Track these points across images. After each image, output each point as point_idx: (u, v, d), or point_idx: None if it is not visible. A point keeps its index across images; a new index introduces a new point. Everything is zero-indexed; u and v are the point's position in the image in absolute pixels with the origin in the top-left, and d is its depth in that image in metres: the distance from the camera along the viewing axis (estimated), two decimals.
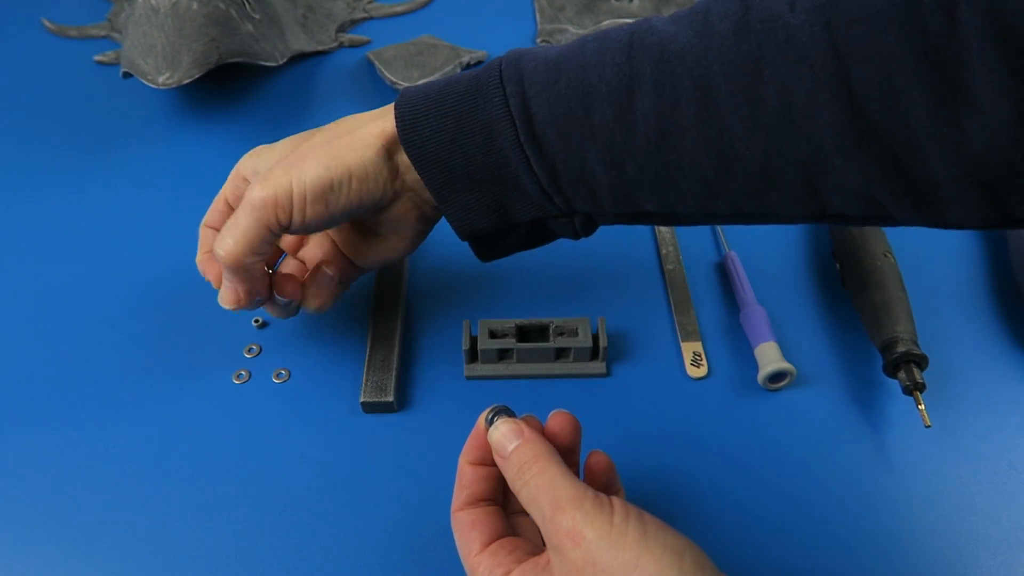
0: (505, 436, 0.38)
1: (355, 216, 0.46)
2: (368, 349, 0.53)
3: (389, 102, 0.72)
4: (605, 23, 0.65)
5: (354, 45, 0.77)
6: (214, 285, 0.48)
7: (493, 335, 0.52)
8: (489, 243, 0.47)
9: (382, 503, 0.47)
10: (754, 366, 0.52)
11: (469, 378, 0.53)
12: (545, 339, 0.52)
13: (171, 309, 0.57)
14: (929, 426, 0.48)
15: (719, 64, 0.37)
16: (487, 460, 0.39)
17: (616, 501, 0.35)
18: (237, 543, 0.46)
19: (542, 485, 0.35)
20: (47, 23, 0.79)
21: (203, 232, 0.50)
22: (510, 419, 0.39)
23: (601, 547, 0.33)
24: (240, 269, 0.45)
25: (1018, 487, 0.48)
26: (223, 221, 0.47)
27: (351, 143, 0.43)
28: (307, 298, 0.49)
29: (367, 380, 0.51)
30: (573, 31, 0.71)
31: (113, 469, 0.49)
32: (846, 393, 0.52)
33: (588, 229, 0.46)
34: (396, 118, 0.43)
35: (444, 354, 0.54)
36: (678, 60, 0.38)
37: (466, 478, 0.40)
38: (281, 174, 0.43)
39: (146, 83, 0.63)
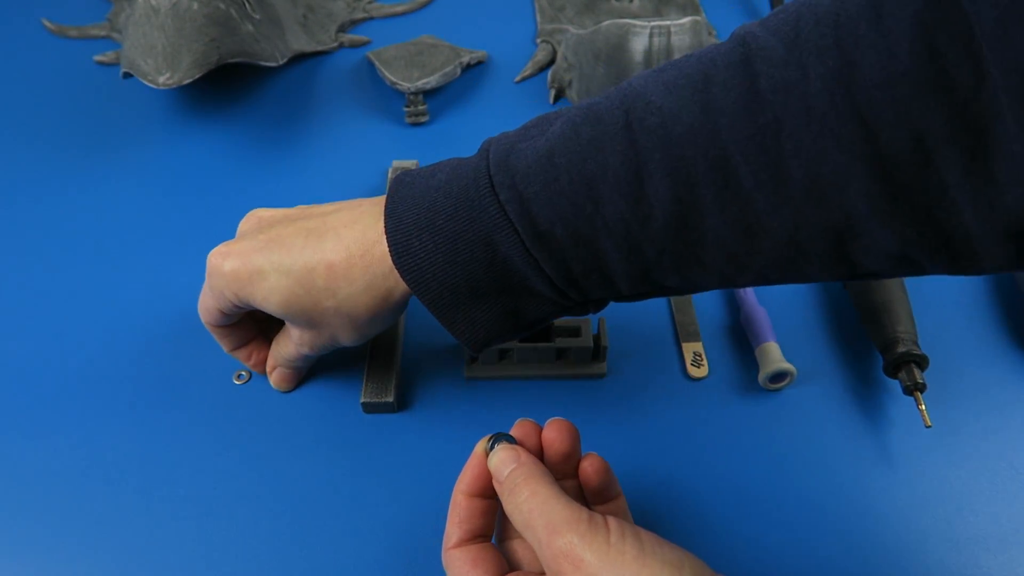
0: (503, 461, 0.38)
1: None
2: (368, 350, 0.53)
3: (389, 102, 0.72)
4: (605, 23, 0.65)
5: (354, 45, 0.77)
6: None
7: None
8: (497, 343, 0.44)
9: (382, 503, 0.47)
10: (755, 366, 0.52)
11: (469, 379, 0.53)
12: (546, 339, 0.52)
13: (171, 309, 0.57)
14: (929, 426, 0.48)
15: (734, 142, 0.35)
16: (485, 491, 0.39)
17: (611, 521, 0.34)
18: (237, 543, 0.46)
19: (535, 508, 0.35)
20: (47, 23, 0.79)
21: None
22: (509, 445, 0.38)
23: (601, 568, 0.33)
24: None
25: (1018, 487, 0.48)
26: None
27: (344, 279, 0.42)
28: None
29: (367, 380, 0.51)
30: (573, 31, 0.71)
31: (113, 469, 0.49)
32: (846, 393, 0.52)
33: (600, 307, 0.44)
34: (389, 244, 0.41)
35: (444, 354, 0.54)
36: (688, 142, 0.36)
37: (464, 511, 0.39)
38: (253, 286, 0.43)
39: (146, 83, 0.63)
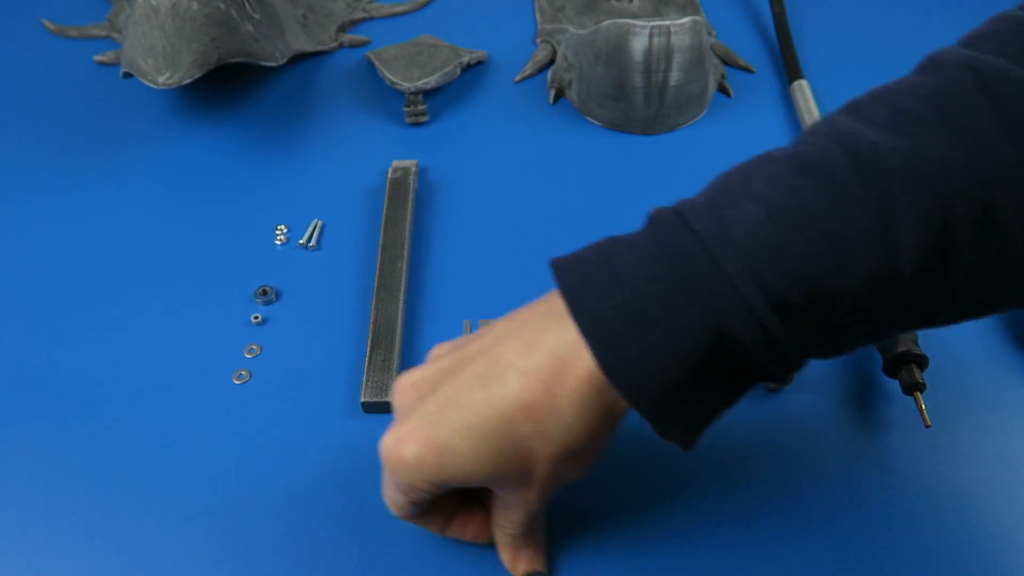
0: None
1: None
2: (368, 349, 0.53)
3: (389, 102, 0.72)
4: (605, 23, 0.65)
5: (354, 45, 0.77)
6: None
7: None
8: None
9: (382, 503, 0.47)
10: None
11: None
12: None
13: (171, 309, 0.57)
14: (929, 426, 0.48)
15: (997, 173, 0.32)
16: None
17: None
18: (237, 543, 0.46)
19: None
20: (47, 23, 0.79)
21: None
22: None
23: None
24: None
25: (1018, 487, 0.48)
26: None
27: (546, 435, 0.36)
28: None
29: (367, 380, 0.51)
30: (573, 31, 0.71)
31: (114, 469, 0.49)
32: (846, 393, 0.52)
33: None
34: (595, 353, 0.34)
35: None
36: (942, 179, 0.32)
37: None
38: (447, 466, 0.36)
39: (146, 83, 0.63)
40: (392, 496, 0.40)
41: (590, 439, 0.36)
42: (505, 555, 0.43)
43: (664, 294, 0.33)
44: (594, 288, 0.34)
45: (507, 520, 0.41)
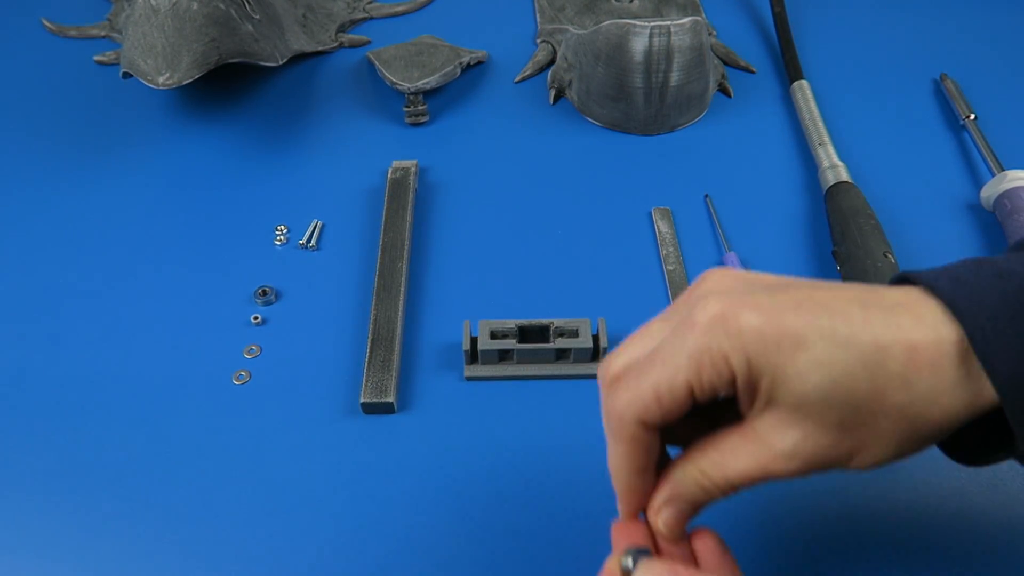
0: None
1: None
2: (368, 349, 0.53)
3: (389, 102, 0.72)
4: (605, 23, 0.65)
5: (354, 45, 0.77)
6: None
7: (493, 336, 0.52)
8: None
9: (382, 503, 0.47)
10: None
11: (469, 379, 0.53)
12: (545, 340, 0.52)
13: (171, 309, 0.57)
14: None
15: None
16: None
17: None
18: (237, 543, 0.46)
19: None
20: (47, 23, 0.79)
21: None
22: (657, 560, 0.32)
23: None
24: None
25: (1018, 487, 0.47)
26: (670, 413, 0.34)
27: (924, 440, 0.32)
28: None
29: (367, 380, 0.51)
30: (573, 31, 0.71)
31: (113, 469, 0.49)
32: None
33: None
34: (964, 320, 0.30)
35: (444, 354, 0.54)
36: None
37: None
38: (824, 457, 0.32)
39: (146, 83, 0.62)
40: (667, 376, 0.32)
41: (940, 419, 0.31)
42: (667, 500, 0.35)
43: None
44: (972, 283, 0.31)
45: (726, 462, 0.33)
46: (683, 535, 0.35)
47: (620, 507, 0.36)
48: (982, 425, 0.34)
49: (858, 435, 0.31)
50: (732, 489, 0.33)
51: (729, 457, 0.33)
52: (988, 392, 0.30)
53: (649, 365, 0.33)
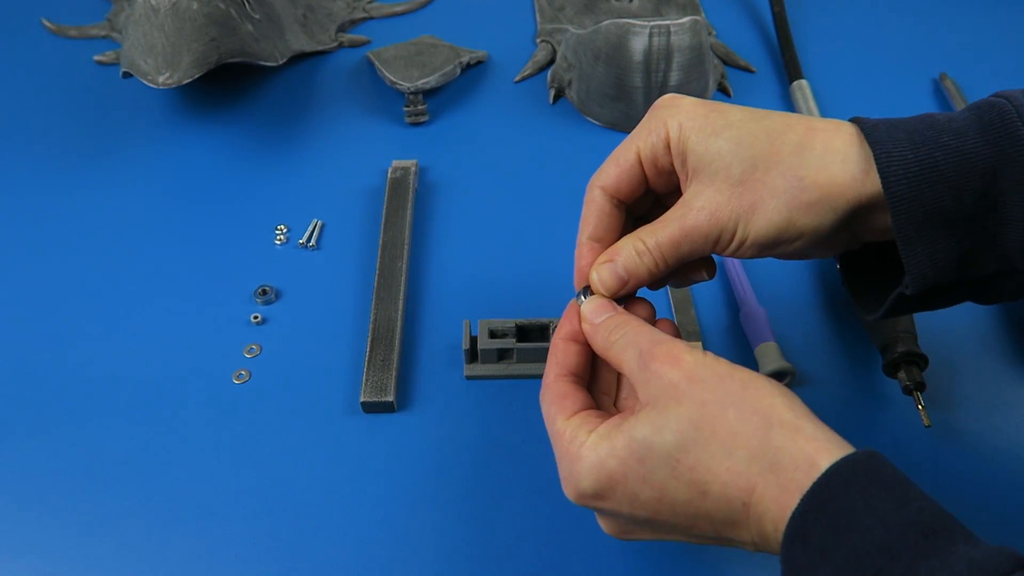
0: (596, 310, 0.40)
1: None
2: (368, 349, 0.53)
3: (389, 102, 0.72)
4: (605, 23, 0.65)
5: (354, 45, 0.77)
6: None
7: (493, 335, 0.52)
8: (912, 301, 0.39)
9: (382, 503, 0.47)
10: (754, 366, 0.52)
11: (469, 378, 0.53)
12: (545, 339, 0.52)
13: (171, 309, 0.57)
14: (929, 426, 0.48)
15: None
16: (579, 338, 0.41)
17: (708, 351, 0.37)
18: (237, 542, 0.46)
19: (633, 334, 0.38)
20: (47, 23, 0.79)
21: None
22: (603, 297, 0.40)
23: (697, 365, 0.35)
24: (656, 277, 0.41)
25: (1018, 487, 0.47)
26: (621, 180, 0.41)
27: (811, 203, 0.37)
28: None
29: (367, 380, 0.51)
30: (573, 31, 0.71)
31: (114, 468, 0.49)
32: (846, 393, 0.52)
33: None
34: (873, 143, 0.36)
35: (444, 354, 0.54)
36: None
37: (560, 352, 0.41)
38: (728, 214, 0.38)
39: (146, 83, 0.63)
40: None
41: (822, 194, 0.37)
42: (605, 263, 0.41)
43: (961, 128, 0.36)
44: (899, 122, 0.37)
45: (657, 229, 0.39)
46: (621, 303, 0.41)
47: (576, 276, 0.42)
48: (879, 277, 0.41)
49: (754, 190, 0.38)
50: (660, 253, 0.39)
51: (660, 225, 0.40)
52: (873, 182, 0.36)
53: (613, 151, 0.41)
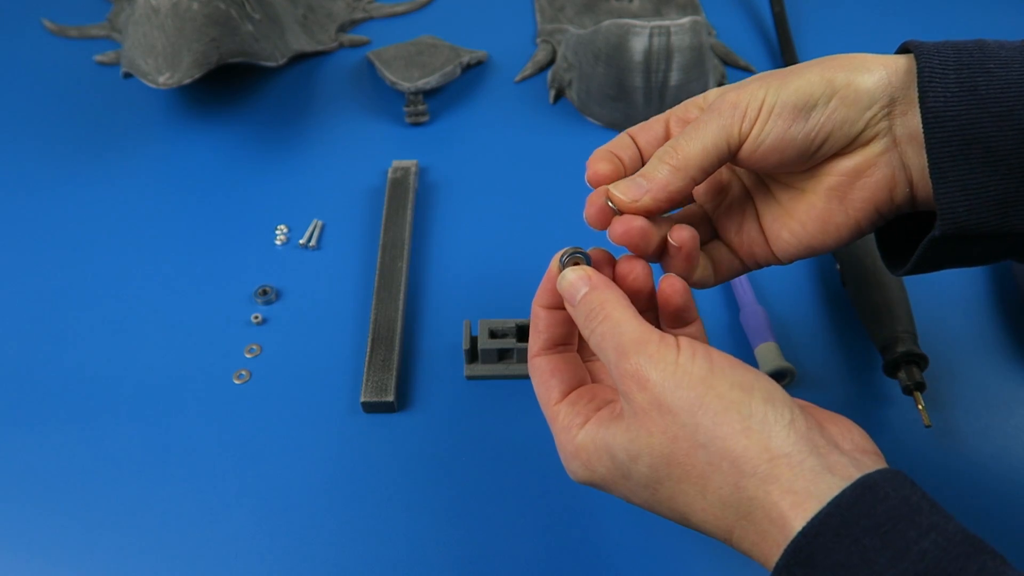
0: (573, 285, 0.36)
1: (810, 157, 0.37)
2: (368, 349, 0.53)
3: (389, 102, 0.72)
4: (605, 23, 0.65)
5: (354, 45, 0.77)
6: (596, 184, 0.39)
7: (493, 335, 0.52)
8: (945, 249, 0.36)
9: (382, 503, 0.47)
10: (754, 366, 0.52)
11: (469, 378, 0.53)
12: None
13: (171, 309, 0.57)
14: (929, 426, 0.48)
15: None
16: (559, 304, 0.38)
17: (683, 341, 0.34)
18: (237, 542, 0.46)
19: (607, 332, 0.34)
20: (47, 23, 0.79)
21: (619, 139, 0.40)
22: (579, 267, 0.37)
23: (665, 389, 0.32)
24: (678, 188, 0.36)
25: (1018, 487, 0.48)
26: (651, 139, 0.40)
27: (845, 63, 0.36)
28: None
29: (367, 380, 0.51)
30: (573, 31, 0.71)
31: (114, 468, 0.49)
32: (846, 393, 0.52)
33: None
34: (919, 55, 0.35)
35: (444, 354, 0.54)
36: None
37: (541, 323, 0.39)
38: (758, 86, 0.36)
39: (146, 83, 0.63)
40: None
41: (860, 61, 0.36)
42: (663, 161, 0.37)
43: (1009, 59, 0.34)
44: (951, 43, 0.35)
45: (693, 139, 0.36)
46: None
47: (589, 201, 0.38)
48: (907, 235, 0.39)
49: (787, 71, 0.36)
50: (684, 146, 0.36)
51: (690, 127, 0.37)
52: (913, 120, 0.35)
53: None
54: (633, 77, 0.65)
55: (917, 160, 0.36)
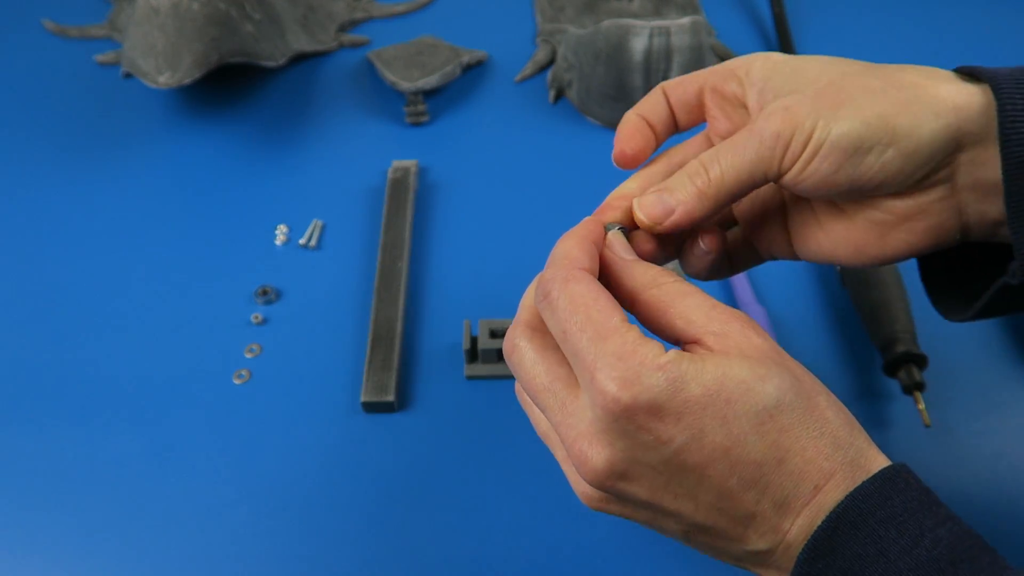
0: (631, 248, 0.35)
1: (855, 196, 0.34)
2: (368, 349, 0.53)
3: (389, 102, 0.72)
4: (605, 23, 0.65)
5: (354, 45, 0.77)
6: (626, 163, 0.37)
7: (493, 335, 0.52)
8: (1017, 296, 0.34)
9: (383, 502, 0.47)
10: None
11: (469, 378, 0.53)
12: None
13: (172, 309, 0.57)
14: (929, 426, 0.48)
15: None
16: (595, 261, 0.34)
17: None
18: (237, 542, 0.46)
19: (700, 290, 0.33)
20: (48, 23, 0.79)
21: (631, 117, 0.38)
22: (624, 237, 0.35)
23: (773, 347, 0.32)
24: (708, 210, 0.34)
25: (1018, 487, 0.48)
26: (684, 102, 0.37)
27: (909, 101, 0.32)
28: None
29: (367, 380, 0.51)
30: (573, 31, 0.71)
31: (114, 468, 0.49)
32: (846, 393, 0.52)
33: None
34: (998, 93, 0.31)
35: (444, 354, 0.54)
36: None
37: (581, 249, 0.33)
38: (807, 111, 0.32)
39: (146, 83, 0.63)
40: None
41: (926, 98, 0.32)
42: (697, 173, 0.34)
43: None
44: (1014, 69, 0.32)
45: (727, 164, 0.34)
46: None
47: (608, 201, 0.37)
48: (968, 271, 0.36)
49: (841, 90, 0.33)
50: (719, 168, 0.34)
51: (721, 143, 0.34)
52: (986, 123, 0.32)
53: None
54: (633, 77, 0.65)
55: (977, 207, 0.33)
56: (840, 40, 0.77)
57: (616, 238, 0.34)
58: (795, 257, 0.39)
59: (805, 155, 0.32)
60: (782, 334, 0.54)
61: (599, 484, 0.31)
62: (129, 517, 0.47)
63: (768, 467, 0.30)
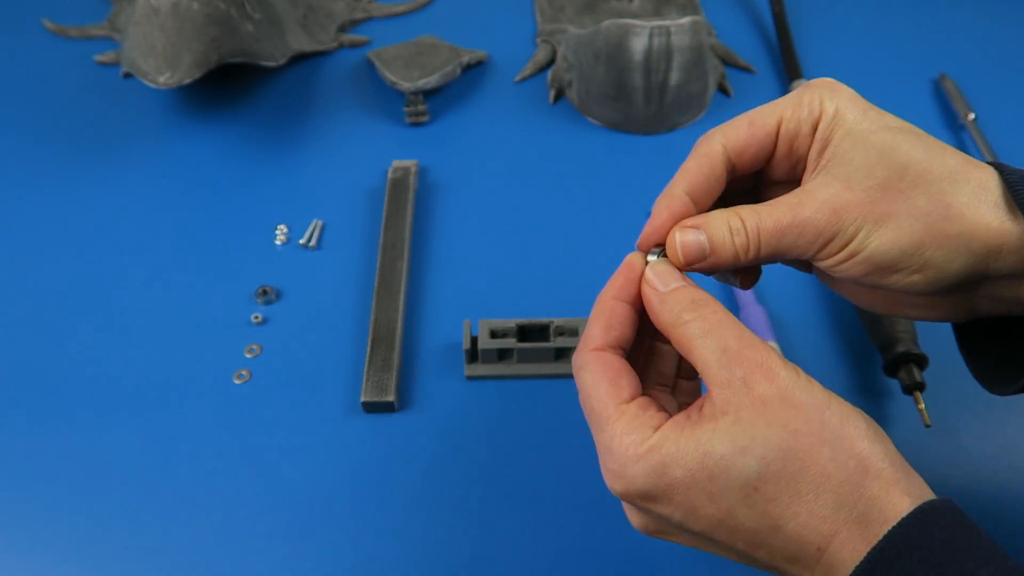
0: (665, 275, 0.35)
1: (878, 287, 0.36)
2: (368, 349, 0.53)
3: (389, 102, 0.72)
4: (605, 23, 0.65)
5: (354, 45, 0.77)
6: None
7: (494, 335, 0.52)
8: None
9: (383, 502, 0.47)
10: None
11: (469, 378, 0.53)
12: (545, 339, 0.52)
13: (171, 309, 0.57)
14: (929, 426, 0.48)
15: None
16: (635, 300, 0.36)
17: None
18: (236, 542, 0.46)
19: (718, 323, 0.33)
20: (47, 23, 0.79)
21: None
22: (673, 265, 0.36)
23: (794, 384, 0.31)
24: (741, 265, 0.36)
25: (1018, 487, 0.48)
26: (751, 143, 0.37)
27: (948, 236, 0.33)
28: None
29: (367, 380, 0.51)
30: (573, 31, 0.71)
31: (114, 468, 0.49)
32: (846, 393, 0.52)
33: None
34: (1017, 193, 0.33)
35: (444, 354, 0.54)
36: None
37: (616, 317, 0.35)
38: (853, 216, 0.33)
39: (146, 83, 0.63)
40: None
41: (968, 230, 0.33)
42: (737, 226, 0.35)
43: None
44: None
45: (777, 208, 0.34)
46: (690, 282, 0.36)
47: (647, 230, 0.37)
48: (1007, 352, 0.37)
49: (892, 201, 0.33)
50: (757, 237, 0.34)
51: (767, 207, 0.35)
52: (1016, 240, 0.33)
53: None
54: (633, 77, 0.65)
55: (996, 309, 0.35)
56: (839, 40, 0.77)
57: (653, 270, 0.36)
58: (811, 272, 0.40)
59: (840, 256, 0.34)
60: (782, 334, 0.54)
61: (644, 531, 0.36)
62: (129, 517, 0.47)
63: (765, 534, 0.31)
